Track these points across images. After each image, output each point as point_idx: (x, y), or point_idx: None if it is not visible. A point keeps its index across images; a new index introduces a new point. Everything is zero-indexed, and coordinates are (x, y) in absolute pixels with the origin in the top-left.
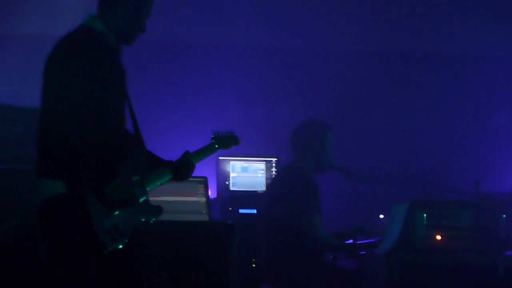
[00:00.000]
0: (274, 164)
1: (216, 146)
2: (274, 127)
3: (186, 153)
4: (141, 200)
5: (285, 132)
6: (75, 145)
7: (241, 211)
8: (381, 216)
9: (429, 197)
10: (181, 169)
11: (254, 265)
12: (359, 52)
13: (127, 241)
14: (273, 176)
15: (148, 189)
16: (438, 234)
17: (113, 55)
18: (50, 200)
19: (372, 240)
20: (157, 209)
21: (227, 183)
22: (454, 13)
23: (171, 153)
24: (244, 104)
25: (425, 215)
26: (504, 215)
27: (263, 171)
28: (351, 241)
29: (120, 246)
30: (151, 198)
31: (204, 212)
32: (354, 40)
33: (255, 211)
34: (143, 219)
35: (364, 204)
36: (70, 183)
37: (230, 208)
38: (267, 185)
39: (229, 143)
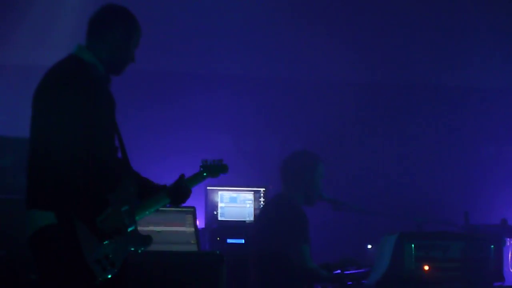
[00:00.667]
0: (262, 194)
1: (205, 174)
2: (263, 157)
3: (182, 177)
4: (129, 229)
5: (273, 162)
6: (64, 176)
7: (229, 241)
8: (369, 246)
9: (418, 228)
10: (178, 193)
11: None
12: (350, 84)
13: (116, 271)
14: (262, 206)
15: (137, 218)
16: (427, 265)
17: (102, 85)
18: (40, 231)
19: (360, 271)
20: (147, 238)
21: (215, 213)
22: (445, 45)
23: (162, 182)
24: (234, 134)
25: (413, 246)
26: (493, 246)
27: (251, 201)
28: (339, 271)
29: (110, 276)
30: (138, 228)
31: (192, 242)
32: (344, 71)
33: (243, 241)
34: (133, 249)
35: (352, 235)
36: (60, 214)
37: (218, 238)
38: (256, 215)
39: (218, 171)
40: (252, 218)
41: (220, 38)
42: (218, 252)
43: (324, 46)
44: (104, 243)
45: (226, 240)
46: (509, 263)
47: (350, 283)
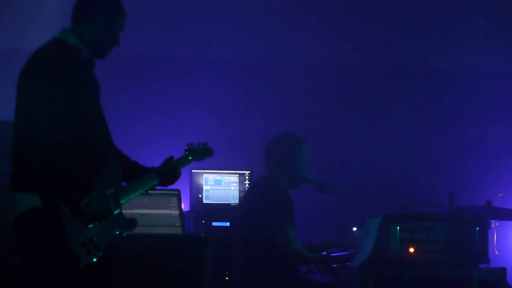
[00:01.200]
0: (247, 177)
1: (190, 157)
2: (247, 140)
3: (170, 158)
4: (114, 213)
5: (258, 145)
6: (49, 159)
7: (214, 223)
8: (354, 229)
9: (403, 210)
10: (167, 174)
11: (227, 278)
12: (334, 66)
13: (101, 254)
14: (246, 189)
15: (122, 201)
16: (412, 247)
17: (86, 68)
18: (25, 214)
19: (345, 253)
20: (131, 222)
21: (200, 196)
22: (429, 27)
23: (147, 164)
24: (219, 116)
25: (398, 228)
26: (478, 228)
27: (236, 184)
28: (324, 253)
29: (95, 260)
30: (123, 211)
31: (177, 224)
32: (328, 53)
33: (228, 223)
34: (117, 232)
35: (337, 217)
36: (44, 197)
37: (203, 221)
38: (241, 198)
39: (203, 154)
40: (237, 201)
41: (204, 21)
42: (202, 234)
43: (307, 28)
44: (89, 226)
45: (211, 223)
46: (494, 244)
47: (335, 265)
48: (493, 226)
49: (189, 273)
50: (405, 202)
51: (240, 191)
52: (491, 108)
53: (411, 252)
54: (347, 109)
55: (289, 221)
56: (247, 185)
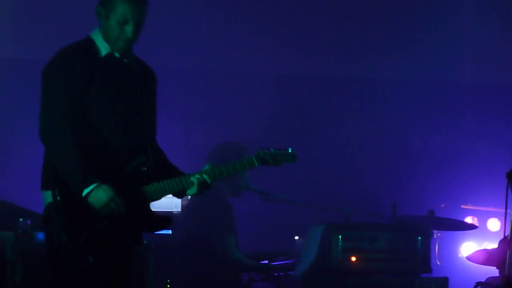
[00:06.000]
0: None
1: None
2: (191, 148)
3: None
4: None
5: (201, 152)
6: (53, 155)
7: (156, 231)
8: (297, 237)
9: (345, 219)
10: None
11: (168, 286)
12: (281, 75)
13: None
14: (189, 197)
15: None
16: (354, 256)
17: (101, 65)
18: (45, 211)
19: (288, 262)
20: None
21: None
22: (374, 38)
23: None
24: (163, 124)
25: (340, 237)
26: (420, 238)
27: None
28: (266, 262)
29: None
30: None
31: None
32: (274, 63)
33: (170, 231)
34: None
35: (280, 225)
36: (52, 192)
37: None
38: (183, 206)
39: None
40: (179, 209)
41: (152, 29)
42: (145, 242)
43: (253, 38)
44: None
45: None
46: (436, 254)
47: (278, 274)
48: (435, 236)
49: (131, 280)
50: (348, 211)
51: (182, 200)
52: (434, 118)
53: (353, 261)
54: (292, 119)
55: (228, 229)
56: None
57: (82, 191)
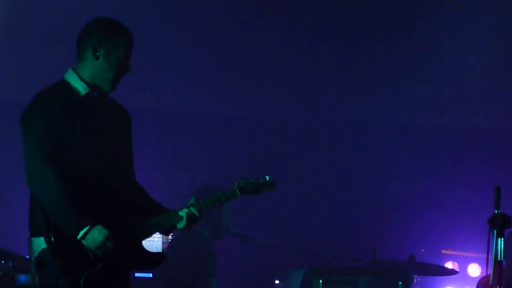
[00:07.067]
0: None
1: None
2: (171, 191)
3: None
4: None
5: (182, 195)
6: (37, 200)
7: (137, 275)
8: (277, 281)
9: (326, 263)
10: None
11: None
12: (258, 119)
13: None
14: (170, 240)
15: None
16: None
17: (79, 107)
18: (38, 258)
19: None
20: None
21: None
22: (352, 82)
23: None
24: (141, 167)
25: (321, 281)
26: (401, 283)
27: (159, 236)
28: None
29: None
30: None
31: None
32: (251, 106)
33: (151, 275)
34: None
35: (260, 269)
36: (46, 238)
37: None
38: (164, 249)
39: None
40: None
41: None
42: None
43: (232, 81)
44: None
45: (134, 274)
46: None
47: None
48: (416, 281)
49: None
50: (328, 255)
51: (163, 243)
52: (414, 163)
53: None
54: (271, 161)
55: (211, 273)
56: (170, 236)
57: (77, 234)
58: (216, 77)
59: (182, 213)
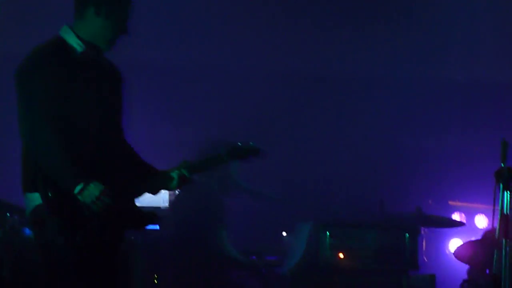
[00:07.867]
0: None
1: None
2: (178, 144)
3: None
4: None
5: (190, 150)
6: (34, 157)
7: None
8: (284, 234)
9: (333, 216)
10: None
11: (156, 281)
12: (271, 73)
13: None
14: (177, 192)
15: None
16: (342, 254)
17: (78, 65)
18: (32, 213)
19: (275, 258)
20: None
21: None
22: (366, 37)
23: None
24: (150, 121)
25: (328, 234)
26: (407, 235)
27: None
28: (254, 257)
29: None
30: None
31: None
32: (260, 60)
33: (157, 227)
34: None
35: (268, 222)
36: (42, 194)
37: None
38: (171, 202)
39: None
40: (167, 204)
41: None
42: (132, 238)
43: (242, 36)
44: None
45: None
46: (423, 251)
47: (265, 270)
48: (423, 233)
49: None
50: (336, 209)
51: (170, 195)
52: (423, 118)
53: (341, 258)
54: (281, 116)
55: (221, 224)
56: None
57: (74, 189)
58: (220, 31)
59: (174, 174)
